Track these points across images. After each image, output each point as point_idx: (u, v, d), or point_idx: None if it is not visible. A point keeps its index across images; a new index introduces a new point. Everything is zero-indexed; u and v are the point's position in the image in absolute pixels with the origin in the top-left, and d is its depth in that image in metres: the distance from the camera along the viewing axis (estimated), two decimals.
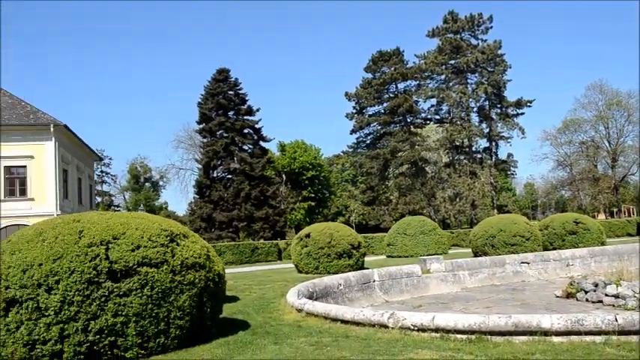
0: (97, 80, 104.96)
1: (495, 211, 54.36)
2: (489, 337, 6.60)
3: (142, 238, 7.07)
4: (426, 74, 59.77)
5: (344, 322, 8.01)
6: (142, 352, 6.67)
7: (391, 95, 61.45)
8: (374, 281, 12.82)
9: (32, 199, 28.65)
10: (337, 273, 15.27)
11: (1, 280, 6.51)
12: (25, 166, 28.87)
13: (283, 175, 58.16)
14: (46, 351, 6.32)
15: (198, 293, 7.25)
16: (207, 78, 53.97)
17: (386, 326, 7.45)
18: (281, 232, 50.86)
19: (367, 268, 15.07)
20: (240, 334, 7.97)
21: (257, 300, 12.39)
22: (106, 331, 6.44)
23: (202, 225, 46.51)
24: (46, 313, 6.33)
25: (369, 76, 61.83)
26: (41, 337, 6.30)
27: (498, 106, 59.19)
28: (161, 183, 75.68)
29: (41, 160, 28.88)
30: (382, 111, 61.69)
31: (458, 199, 55.98)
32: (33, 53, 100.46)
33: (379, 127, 62.27)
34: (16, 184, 28.85)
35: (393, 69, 60.02)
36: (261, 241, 41.54)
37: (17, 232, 7.59)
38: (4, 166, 28.54)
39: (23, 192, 28.78)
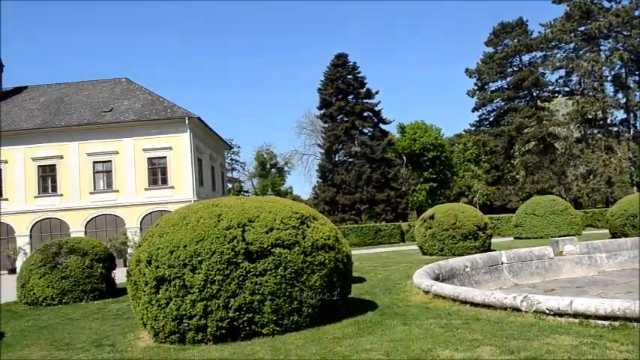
0: (224, 71, 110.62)
1: (635, 188, 49.78)
2: (635, 324, 6.12)
3: (275, 220, 7.41)
4: (553, 44, 55.63)
5: (473, 304, 7.85)
6: (277, 329, 7.03)
7: (515, 69, 58.21)
8: (502, 263, 12.40)
9: (172, 187, 31.11)
10: (462, 255, 14.97)
11: (152, 260, 7.21)
12: (165, 157, 31.41)
13: (404, 157, 57.59)
14: (192, 325, 6.89)
15: (328, 274, 7.47)
16: (326, 64, 54.78)
17: (519, 310, 7.18)
18: (403, 214, 50.63)
19: (494, 250, 14.59)
20: (368, 315, 8.11)
21: (383, 281, 12.50)
22: (244, 309, 6.87)
23: (326, 208, 47.62)
24: (191, 291, 6.88)
25: (491, 50, 59.00)
26: (187, 313, 6.87)
27: (637, 73, 53.83)
28: (286, 168, 78.31)
29: (179, 150, 31.22)
30: (506, 86, 58.68)
31: (591, 177, 51.88)
32: (168, 52, 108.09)
33: (503, 103, 59.36)
34: (158, 173, 31.49)
35: (516, 41, 56.72)
36: (384, 223, 41.69)
37: (163, 216, 8.28)
38: (148, 158, 31.27)
39: (164, 181, 31.34)
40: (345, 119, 50.73)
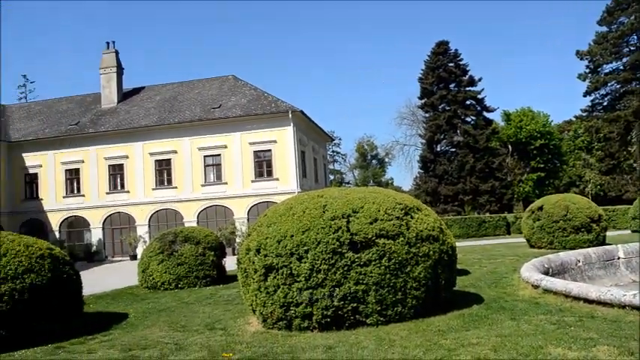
0: (325, 63, 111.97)
1: None
2: None
3: (379, 211, 7.47)
4: None
5: (587, 301, 7.44)
6: (381, 319, 7.09)
7: (632, 48, 53.63)
8: (618, 258, 11.63)
9: (277, 179, 32.12)
10: (574, 249, 14.19)
11: (261, 249, 7.53)
12: (270, 150, 32.48)
13: (509, 146, 55.26)
14: (298, 312, 7.13)
15: (432, 265, 7.42)
16: (426, 52, 53.79)
17: (639, 309, 6.73)
18: (508, 205, 48.66)
19: (609, 244, 13.70)
20: (474, 308, 7.96)
21: (488, 274, 12.18)
22: (349, 298, 7.01)
23: (427, 199, 46.89)
24: (298, 279, 7.11)
25: (604, 29, 54.67)
26: (294, 300, 7.12)
27: None
28: (386, 160, 78.05)
29: (282, 143, 32.15)
30: (622, 67, 54.22)
31: None
32: (271, 47, 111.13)
33: (618, 86, 54.92)
34: (264, 166, 32.65)
35: (633, 18, 52.15)
36: (488, 214, 40.36)
37: (271, 207, 8.61)
38: (254, 151, 32.51)
39: (269, 173, 32.44)
40: (447, 108, 49.56)
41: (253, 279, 7.55)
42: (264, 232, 7.64)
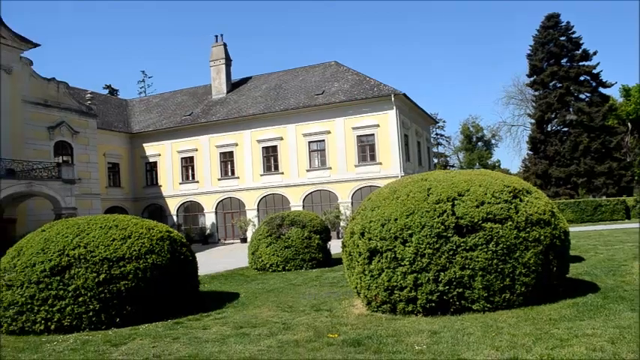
0: (428, 44, 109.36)
1: None
2: None
3: (486, 194, 7.28)
4: None
5: None
6: (488, 305, 6.94)
7: None
8: None
9: (380, 163, 32.08)
10: None
11: (365, 233, 7.63)
12: (372, 135, 32.48)
13: (628, 124, 50.94)
14: (402, 297, 7.15)
15: (543, 251, 7.12)
16: (535, 27, 50.83)
17: None
18: (627, 188, 45.03)
19: None
20: (589, 297, 7.56)
21: (604, 261, 11.47)
22: (454, 283, 6.92)
23: (537, 182, 44.63)
24: (402, 263, 7.13)
25: None
26: (398, 284, 7.15)
27: None
28: (493, 141, 75.27)
29: (385, 127, 32.01)
30: None
31: None
32: (372, 30, 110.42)
33: None
34: (367, 150, 32.75)
35: None
36: (604, 197, 37.73)
37: (374, 191, 8.67)
38: (357, 136, 32.68)
39: (373, 157, 32.47)
40: (559, 85, 46.65)
41: (358, 262, 7.67)
42: (368, 216, 7.72)
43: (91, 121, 31.03)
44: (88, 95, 33.04)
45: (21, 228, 23.91)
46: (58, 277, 7.80)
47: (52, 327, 7.70)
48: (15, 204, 24.55)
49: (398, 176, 29.31)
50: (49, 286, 7.76)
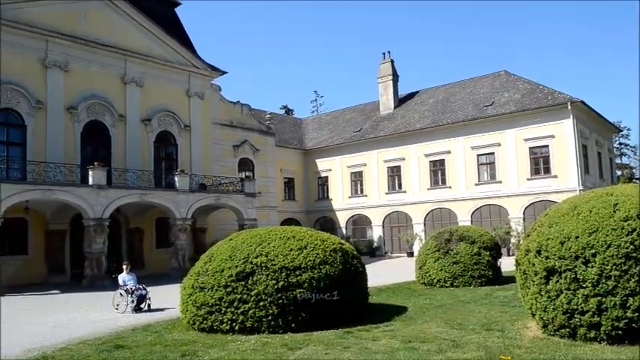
0: (605, 48, 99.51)
1: None
2: None
3: None
4: None
5: None
6: None
7: None
8: None
9: (555, 177, 29.87)
10: None
11: (542, 251, 7.23)
12: (547, 146, 30.41)
13: None
14: (584, 321, 6.63)
15: None
16: None
17: None
18: None
19: None
20: None
21: None
22: None
23: None
24: (584, 285, 6.63)
25: None
26: (579, 308, 6.65)
27: None
28: None
29: (561, 138, 29.78)
30: None
31: None
32: (542, 37, 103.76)
33: None
34: (540, 162, 30.73)
35: None
36: None
37: (552, 206, 8.18)
38: (529, 148, 30.84)
39: (547, 170, 30.38)
40: None
41: (533, 281, 7.31)
42: (545, 233, 7.32)
43: (269, 139, 33.62)
44: (267, 115, 35.91)
45: (210, 236, 26.70)
46: (243, 283, 8.59)
47: (236, 327, 8.49)
48: (205, 215, 27.39)
49: (575, 190, 27.10)
50: (235, 290, 8.58)
